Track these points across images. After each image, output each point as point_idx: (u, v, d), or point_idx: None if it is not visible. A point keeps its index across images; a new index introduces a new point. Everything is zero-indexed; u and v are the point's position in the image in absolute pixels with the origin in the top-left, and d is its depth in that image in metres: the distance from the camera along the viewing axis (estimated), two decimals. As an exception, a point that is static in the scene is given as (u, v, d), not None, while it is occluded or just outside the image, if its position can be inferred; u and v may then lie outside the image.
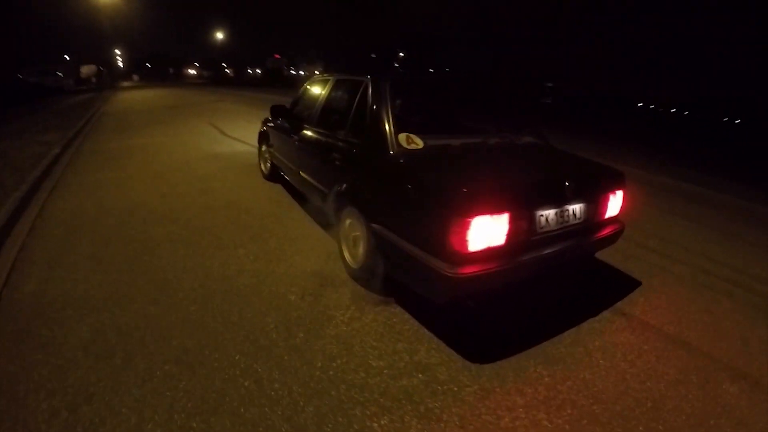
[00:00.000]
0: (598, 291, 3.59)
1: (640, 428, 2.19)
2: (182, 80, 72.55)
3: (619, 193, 3.17)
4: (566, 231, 2.84)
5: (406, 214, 2.73)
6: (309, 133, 4.38)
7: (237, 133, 10.80)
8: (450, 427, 2.13)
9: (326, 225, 4.29)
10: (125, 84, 52.05)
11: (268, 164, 6.15)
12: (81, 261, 3.68)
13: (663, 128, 29.54)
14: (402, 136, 2.98)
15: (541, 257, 2.67)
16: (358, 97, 3.57)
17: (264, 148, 6.27)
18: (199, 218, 4.75)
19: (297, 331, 2.80)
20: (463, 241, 2.40)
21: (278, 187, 6.03)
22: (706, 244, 4.94)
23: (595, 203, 3.00)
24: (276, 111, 5.13)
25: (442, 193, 2.50)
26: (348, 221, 3.45)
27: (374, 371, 2.48)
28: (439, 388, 2.38)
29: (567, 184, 2.76)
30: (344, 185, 3.41)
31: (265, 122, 6.24)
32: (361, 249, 3.27)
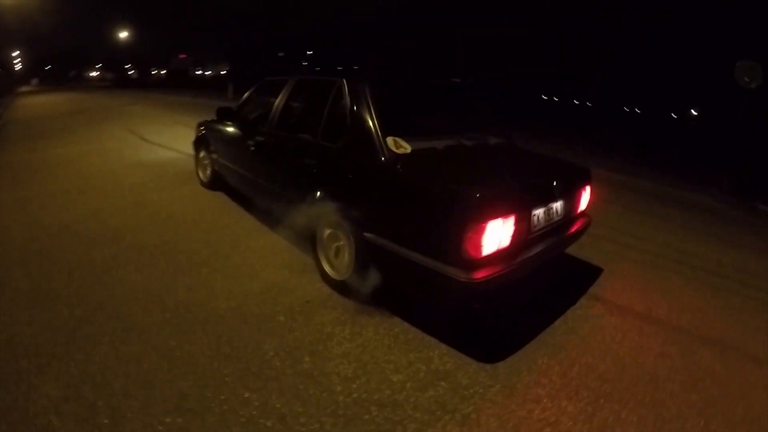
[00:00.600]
0: (569, 280, 3.87)
1: (647, 399, 2.44)
2: (84, 83, 63.26)
3: (588, 189, 3.43)
4: (551, 228, 3.02)
5: (409, 222, 2.69)
6: (269, 138, 4.09)
7: (158, 139, 9.91)
8: (491, 428, 2.17)
9: (292, 235, 4.01)
10: (24, 89, 44.23)
11: (208, 171, 5.66)
12: (20, 298, 3.09)
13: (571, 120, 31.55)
14: (390, 140, 2.90)
15: (535, 255, 2.81)
16: (330, 99, 3.41)
17: (203, 154, 5.75)
18: (145, 235, 4.25)
19: (301, 354, 2.61)
20: (478, 246, 2.44)
21: (222, 196, 5.58)
22: (642, 228, 5.57)
23: (572, 200, 3.22)
24: (222, 114, 4.75)
25: (454, 199, 2.49)
26: (327, 231, 3.30)
27: (397, 386, 2.41)
28: (466, 392, 2.40)
29: (555, 183, 2.94)
30: (321, 193, 3.25)
31: (202, 126, 5.72)
32: (346, 259, 3.16)
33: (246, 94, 4.89)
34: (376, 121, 3.01)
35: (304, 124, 3.67)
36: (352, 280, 3.12)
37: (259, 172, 4.25)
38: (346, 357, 2.63)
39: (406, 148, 2.89)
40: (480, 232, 2.42)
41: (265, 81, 4.58)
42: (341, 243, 3.21)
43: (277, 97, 4.15)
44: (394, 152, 2.87)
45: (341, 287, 3.27)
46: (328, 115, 3.42)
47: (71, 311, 2.95)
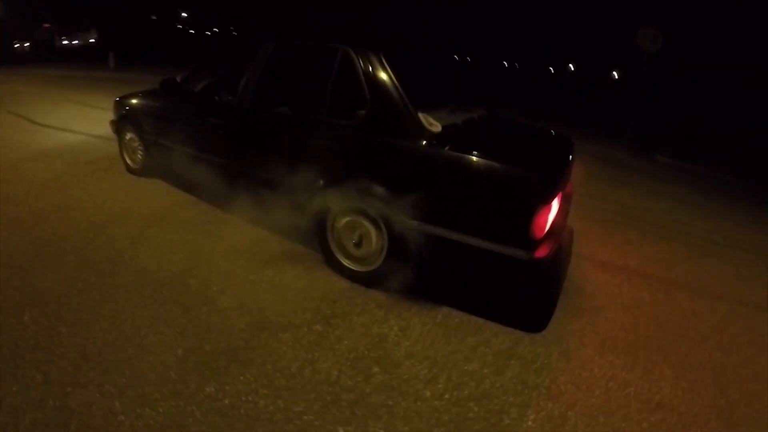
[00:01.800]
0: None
1: (663, 341, 2.91)
2: None
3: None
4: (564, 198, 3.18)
5: (467, 206, 2.57)
6: (246, 115, 3.37)
7: (52, 121, 7.63)
8: (572, 393, 2.36)
9: (279, 225, 3.43)
10: None
11: (139, 155, 4.52)
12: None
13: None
14: (422, 118, 2.65)
15: (559, 228, 2.95)
16: (334, 69, 2.93)
17: (130, 135, 4.53)
18: (93, 246, 3.26)
19: (367, 366, 2.37)
20: (542, 226, 2.49)
21: (161, 183, 4.52)
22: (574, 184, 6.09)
23: (570, 169, 3.36)
24: (169, 87, 3.77)
25: (524, 180, 2.45)
26: (344, 219, 2.94)
27: (477, 376, 2.39)
28: (535, 365, 2.53)
29: (570, 156, 3.07)
30: (335, 177, 2.87)
31: (125, 103, 4.50)
32: (373, 248, 2.89)
33: (194, 65, 3.96)
34: (404, 96, 2.70)
35: (297, 98, 3.13)
36: (382, 270, 2.89)
37: (234, 155, 3.50)
38: (412, 357, 2.48)
39: (437, 125, 2.69)
40: (547, 211, 2.47)
41: (220, 46, 3.70)
42: (366, 230, 2.90)
43: (246, 67, 3.40)
44: (431, 132, 2.65)
45: (364, 279, 3.01)
46: (333, 88, 2.95)
47: (48, 377, 2.11)
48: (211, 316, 2.63)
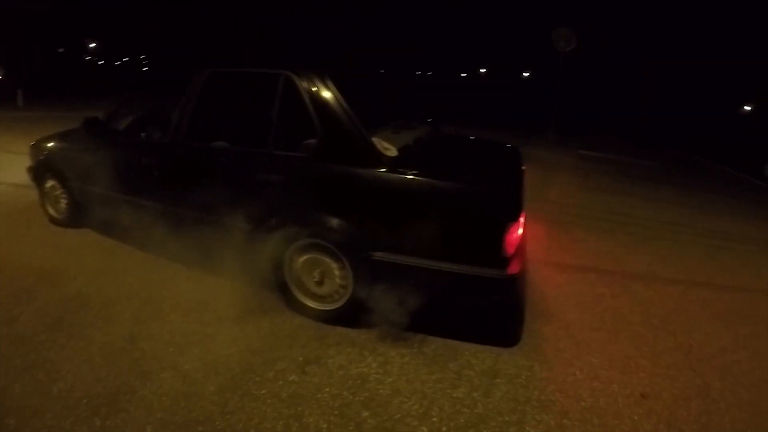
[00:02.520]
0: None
1: (628, 331, 3.01)
2: None
3: None
4: None
5: (434, 230, 2.44)
6: (181, 153, 3.05)
7: None
8: (562, 401, 2.37)
9: (228, 270, 3.12)
10: None
11: (63, 205, 3.96)
12: None
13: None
14: (376, 143, 2.54)
15: (524, 241, 2.93)
16: (276, 97, 2.72)
17: (51, 183, 3.95)
18: (26, 315, 2.73)
19: (355, 411, 2.18)
20: (512, 243, 2.45)
21: (93, 235, 4.00)
22: None
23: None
24: (93, 126, 3.37)
25: (492, 201, 2.43)
26: (302, 258, 2.74)
27: (468, 401, 2.31)
28: (520, 380, 2.50)
29: (523, 168, 3.09)
30: (288, 214, 2.67)
31: (43, 148, 3.96)
32: (337, 284, 2.72)
33: (118, 101, 3.55)
34: (356, 121, 2.56)
35: (237, 130, 2.89)
36: (349, 305, 2.72)
37: (172, 198, 3.15)
38: (399, 393, 2.34)
39: (391, 149, 2.59)
40: (516, 228, 2.44)
41: (148, 79, 3.32)
42: (326, 268, 2.72)
43: (179, 99, 3.09)
44: (387, 156, 2.54)
45: (331, 317, 2.82)
46: (278, 118, 2.74)
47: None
48: (175, 383, 2.32)
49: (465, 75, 60.47)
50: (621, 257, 4.40)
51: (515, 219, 2.41)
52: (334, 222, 2.61)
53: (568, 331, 3.01)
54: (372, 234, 2.57)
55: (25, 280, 3.31)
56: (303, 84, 2.70)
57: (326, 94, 2.66)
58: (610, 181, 8.06)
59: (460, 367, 2.58)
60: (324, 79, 2.70)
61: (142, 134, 3.57)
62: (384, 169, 2.52)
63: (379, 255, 2.56)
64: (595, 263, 4.19)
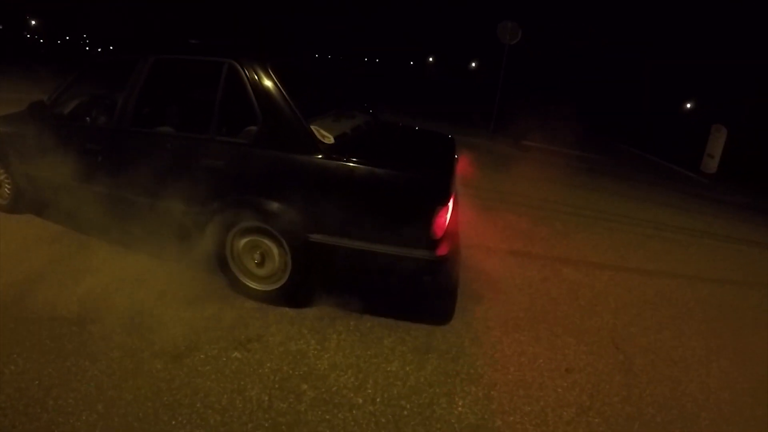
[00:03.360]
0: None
1: (557, 313, 3.21)
2: None
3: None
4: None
5: (367, 214, 2.60)
6: (127, 138, 3.04)
7: None
8: (490, 374, 2.54)
9: (171, 253, 3.15)
10: None
11: (7, 190, 3.79)
12: None
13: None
14: (314, 130, 2.63)
15: (454, 225, 3.09)
16: (220, 85, 2.78)
17: None
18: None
19: (295, 385, 2.28)
20: (442, 225, 2.61)
21: (37, 221, 3.83)
22: None
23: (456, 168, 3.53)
24: (38, 110, 3.28)
25: (421, 185, 2.56)
26: (243, 240, 2.81)
27: (401, 375, 2.45)
28: (450, 355, 2.68)
29: (456, 156, 3.25)
30: (230, 198, 2.74)
31: None
32: (276, 265, 2.80)
33: (63, 84, 3.45)
34: (295, 109, 2.65)
35: (182, 116, 2.94)
36: (288, 286, 2.81)
37: (117, 183, 3.12)
38: (336, 367, 2.47)
39: (329, 136, 2.69)
40: (444, 212, 2.58)
41: (94, 63, 3.26)
42: (266, 249, 2.80)
43: (124, 85, 3.09)
44: (324, 143, 2.64)
45: (271, 298, 2.89)
46: (221, 105, 2.81)
47: None
48: (124, 362, 2.36)
49: (412, 63, 61.14)
50: (553, 243, 4.63)
51: (444, 203, 2.56)
52: (273, 206, 2.70)
53: (498, 311, 3.20)
54: (309, 217, 2.68)
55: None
56: (246, 72, 2.77)
57: (267, 83, 2.74)
58: (551, 171, 8.15)
59: (393, 343, 2.73)
60: (266, 67, 2.78)
61: (87, 119, 3.54)
62: (320, 156, 2.62)
63: (315, 237, 2.67)
64: (528, 248, 4.41)
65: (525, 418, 2.27)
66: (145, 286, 3.04)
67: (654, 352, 2.94)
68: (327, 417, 2.15)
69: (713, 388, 2.67)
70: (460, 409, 2.27)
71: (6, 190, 4.01)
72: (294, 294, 2.88)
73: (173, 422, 2.04)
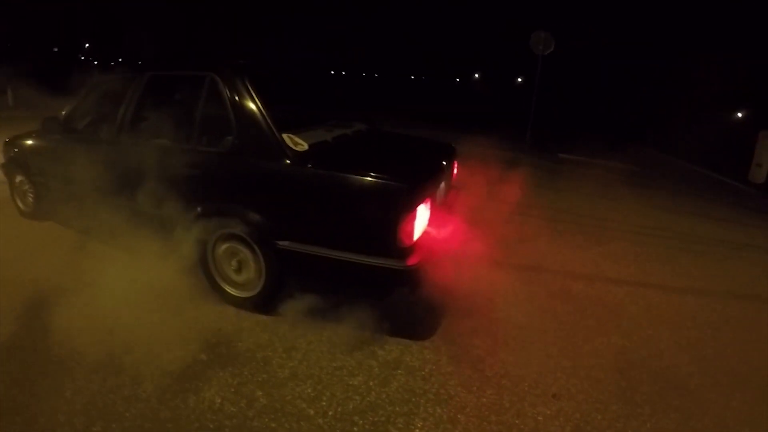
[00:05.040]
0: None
1: (557, 329, 2.92)
2: None
3: (456, 164, 3.69)
4: (441, 204, 3.20)
5: (333, 221, 2.59)
6: (123, 150, 3.30)
7: None
8: (461, 396, 2.36)
9: (168, 257, 3.22)
10: None
11: (30, 198, 4.32)
12: None
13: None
14: (286, 138, 2.66)
15: (439, 232, 2.95)
16: (202, 97, 2.93)
17: (20, 178, 4.34)
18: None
19: (251, 391, 2.29)
20: (410, 233, 2.50)
21: (55, 227, 4.28)
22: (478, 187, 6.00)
23: (449, 175, 3.44)
24: (49, 125, 3.68)
25: (384, 190, 2.48)
26: (222, 247, 2.90)
27: (363, 389, 2.37)
28: (422, 373, 2.54)
29: (444, 163, 3.13)
30: (208, 206, 2.84)
31: (13, 145, 4.33)
32: (252, 273, 2.85)
33: (75, 99, 3.83)
34: (268, 119, 2.71)
35: (169, 128, 3.07)
36: (263, 293, 2.85)
37: (114, 192, 3.37)
38: (296, 377, 2.44)
39: (303, 144, 2.70)
40: (412, 219, 2.48)
41: (100, 81, 3.63)
42: (243, 257, 2.87)
43: (123, 99, 3.35)
44: (294, 150, 2.65)
45: (250, 304, 2.95)
46: (203, 116, 2.96)
47: None
48: (98, 356, 2.49)
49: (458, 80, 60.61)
50: (568, 257, 4.25)
51: (410, 210, 2.45)
52: (245, 213, 2.77)
53: (489, 327, 2.98)
54: (277, 224, 2.70)
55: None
56: (223, 84, 2.89)
57: (242, 94, 2.84)
58: (583, 183, 7.51)
59: (363, 357, 2.64)
60: (243, 79, 2.89)
61: (95, 132, 3.77)
62: (287, 162, 2.63)
63: (284, 244, 2.67)
64: (539, 262, 4.08)
65: None
66: (142, 287, 3.11)
67: (665, 379, 2.57)
68: (273, 425, 2.12)
69: (731, 424, 2.28)
70: (417, 430, 2.12)
71: (30, 198, 4.46)
72: (268, 301, 2.90)
73: (127, 414, 2.14)
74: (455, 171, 3.71)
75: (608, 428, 2.21)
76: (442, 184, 3.16)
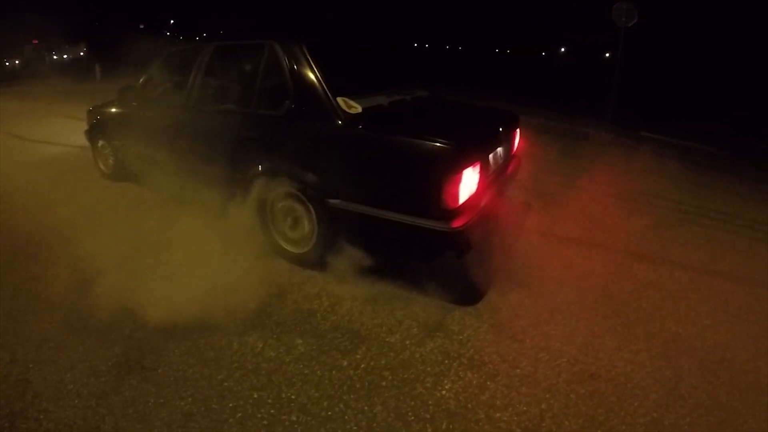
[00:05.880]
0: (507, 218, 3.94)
1: (608, 311, 2.82)
2: None
3: (518, 132, 3.65)
4: (498, 171, 3.16)
5: (381, 181, 2.65)
6: (192, 115, 3.61)
7: (37, 135, 7.94)
8: (495, 364, 2.36)
9: (232, 215, 3.49)
10: None
11: (111, 161, 4.88)
12: None
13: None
14: (341, 101, 2.76)
15: (493, 199, 2.94)
16: (263, 64, 3.12)
17: (101, 143, 4.91)
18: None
19: (291, 338, 2.47)
20: (455, 196, 2.50)
21: (133, 187, 4.79)
22: (557, 165, 5.90)
23: (509, 143, 3.39)
24: (126, 94, 4.10)
25: (430, 152, 2.50)
26: (279, 204, 3.09)
27: (398, 347, 2.46)
28: (461, 337, 2.58)
29: (501, 129, 3.08)
30: (268, 165, 3.02)
31: (96, 113, 4.88)
32: (306, 230, 3.02)
33: (149, 70, 4.22)
34: (324, 83, 2.83)
35: (233, 93, 3.34)
36: (315, 250, 3.01)
37: (184, 154, 3.71)
38: (337, 330, 2.59)
39: (357, 107, 2.79)
40: (457, 181, 2.48)
41: (171, 52, 3.99)
42: (298, 214, 3.03)
43: (191, 69, 3.64)
44: (347, 112, 2.75)
45: (303, 260, 3.13)
46: (262, 82, 3.14)
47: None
48: (167, 291, 2.80)
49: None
50: (633, 237, 3.99)
51: (456, 172, 2.45)
52: (301, 172, 2.91)
53: (537, 300, 2.92)
54: (329, 183, 2.83)
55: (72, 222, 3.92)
56: (282, 51, 3.05)
57: (299, 60, 2.99)
58: (660, 164, 6.94)
59: (405, 316, 2.73)
60: (300, 46, 3.03)
61: (167, 100, 4.08)
62: (339, 123, 2.74)
63: (336, 203, 2.79)
64: (600, 239, 3.88)
65: (514, 417, 2.06)
66: (209, 239, 3.38)
67: (715, 374, 2.38)
68: (306, 372, 2.28)
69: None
70: (443, 392, 2.18)
71: (110, 161, 4.95)
72: (320, 258, 3.05)
73: (176, 350, 2.40)
74: (516, 140, 3.63)
75: (643, 416, 2.11)
76: (498, 151, 3.11)
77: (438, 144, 2.49)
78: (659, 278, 3.33)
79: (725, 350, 2.59)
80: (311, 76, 2.90)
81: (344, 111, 2.75)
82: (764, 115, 12.41)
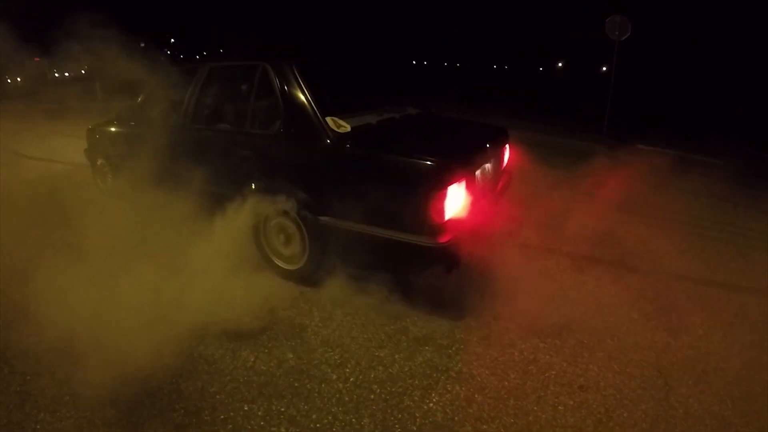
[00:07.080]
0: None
1: (599, 324, 2.82)
2: None
3: (507, 148, 3.70)
4: (487, 187, 3.22)
5: (368, 198, 2.69)
6: (187, 134, 3.68)
7: (38, 152, 7.91)
8: (484, 377, 2.38)
9: (228, 231, 3.47)
10: None
11: (109, 179, 4.95)
12: None
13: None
14: (330, 120, 2.84)
15: (481, 213, 2.96)
16: (255, 84, 3.20)
17: (100, 161, 4.98)
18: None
19: (282, 353, 2.52)
20: (441, 211, 2.55)
21: (128, 203, 4.71)
22: (546, 178, 5.77)
23: (498, 159, 3.45)
24: (124, 114, 4.23)
25: (414, 169, 2.57)
26: (272, 222, 3.15)
27: (387, 361, 2.48)
28: (449, 351, 2.61)
29: (488, 145, 3.13)
30: (259, 184, 3.10)
31: (95, 131, 4.98)
32: (297, 247, 3.08)
33: (147, 89, 4.32)
34: (312, 103, 2.91)
35: (227, 113, 3.44)
36: (307, 266, 3.07)
37: (180, 173, 3.68)
38: (327, 344, 2.63)
39: (345, 126, 2.87)
40: (442, 197, 2.53)
41: (168, 72, 4.07)
42: (290, 231, 3.09)
43: (188, 88, 3.72)
44: (336, 131, 2.83)
45: (295, 276, 3.18)
46: (255, 102, 3.23)
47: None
48: (151, 307, 2.80)
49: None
50: (626, 248, 3.98)
51: (440, 189, 2.50)
52: (292, 190, 2.96)
53: (527, 313, 2.92)
54: (319, 200, 2.88)
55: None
56: (273, 72, 3.13)
57: (289, 81, 3.07)
58: (658, 176, 6.53)
59: (394, 331, 2.76)
60: (291, 67, 3.09)
61: (161, 118, 4.16)
62: (328, 142, 2.81)
63: (324, 220, 2.86)
64: (593, 252, 3.88)
65: (501, 430, 2.09)
66: (196, 254, 3.36)
67: (708, 383, 2.39)
68: (296, 385, 2.33)
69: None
70: (431, 405, 2.21)
71: (109, 179, 5.00)
72: (312, 274, 3.11)
73: (170, 364, 2.40)
74: (506, 155, 3.68)
75: (633, 426, 2.12)
76: (487, 167, 3.16)
77: (423, 161, 2.56)
78: (652, 288, 3.33)
79: (717, 360, 2.59)
80: (301, 96, 2.97)
81: (333, 130, 2.82)
82: (764, 116, 12.35)
